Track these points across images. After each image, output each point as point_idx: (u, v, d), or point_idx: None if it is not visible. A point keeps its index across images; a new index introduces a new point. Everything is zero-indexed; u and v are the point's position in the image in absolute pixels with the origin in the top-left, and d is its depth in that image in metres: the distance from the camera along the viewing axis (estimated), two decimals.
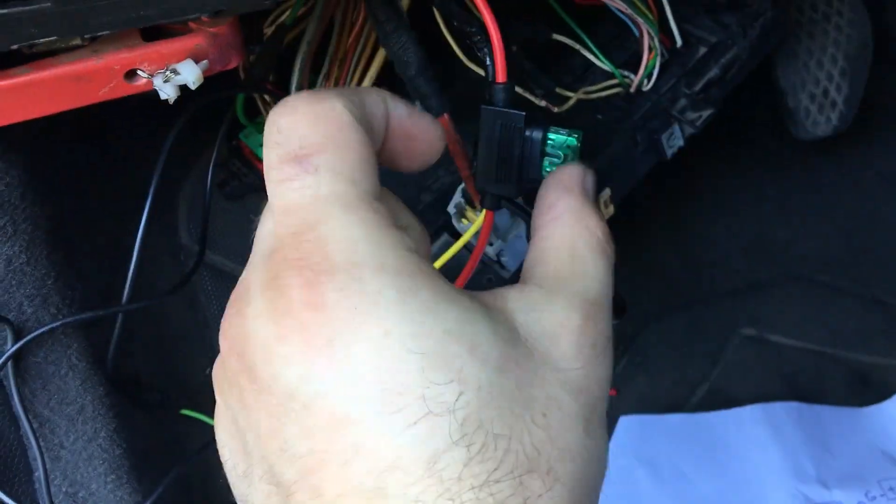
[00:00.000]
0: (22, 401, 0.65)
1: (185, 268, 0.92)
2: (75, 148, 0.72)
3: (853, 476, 0.96)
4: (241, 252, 0.95)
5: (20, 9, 0.44)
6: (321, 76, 0.78)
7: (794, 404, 1.02)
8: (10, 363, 0.64)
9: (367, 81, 0.79)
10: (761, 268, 1.17)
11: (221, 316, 0.89)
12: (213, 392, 1.01)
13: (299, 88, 0.78)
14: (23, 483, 0.66)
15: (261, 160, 0.81)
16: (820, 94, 0.99)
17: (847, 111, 1.00)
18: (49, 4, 0.44)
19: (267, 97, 0.81)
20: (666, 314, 1.15)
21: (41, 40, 0.48)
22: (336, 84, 0.79)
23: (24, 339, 0.64)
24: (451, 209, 0.73)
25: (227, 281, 0.94)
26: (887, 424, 1.01)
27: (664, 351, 1.13)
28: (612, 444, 1.02)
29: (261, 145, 0.82)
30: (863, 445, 0.99)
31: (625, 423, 1.04)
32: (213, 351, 0.94)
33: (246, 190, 0.94)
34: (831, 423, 1.01)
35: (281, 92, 0.79)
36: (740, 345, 1.12)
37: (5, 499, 0.63)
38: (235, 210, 0.96)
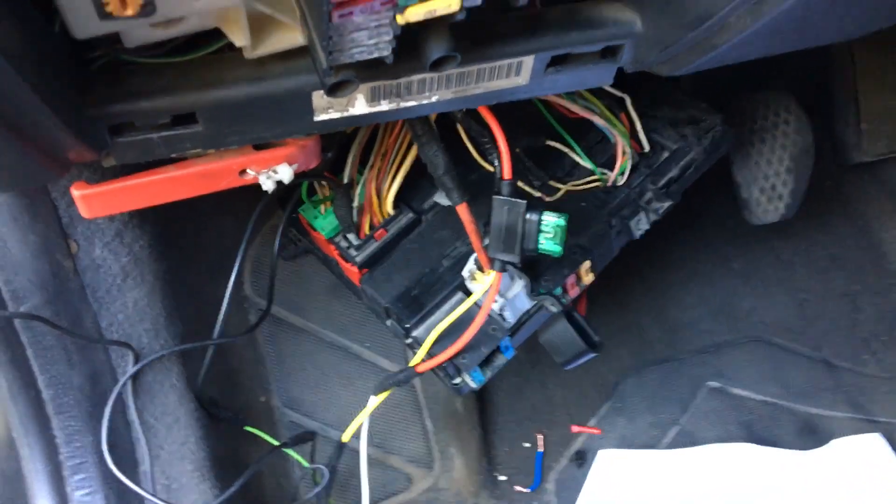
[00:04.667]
0: (136, 410, 0.86)
1: (247, 314, 1.14)
2: (183, 220, 0.94)
3: None
4: (293, 301, 1.16)
5: (182, 131, 0.66)
6: (367, 167, 1.00)
7: (746, 444, 1.21)
8: (129, 381, 0.85)
9: (402, 172, 1.01)
10: (727, 330, 1.37)
11: (274, 354, 1.15)
12: (267, 415, 1.24)
13: (350, 177, 1.00)
14: (131, 474, 0.86)
15: (314, 229, 1.03)
16: (769, 188, 1.20)
17: (792, 202, 1.21)
18: (201, 128, 0.66)
19: (323, 182, 1.03)
20: (643, 367, 1.34)
21: (191, 151, 0.70)
22: (378, 173, 1.01)
23: (142, 363, 0.85)
24: (465, 273, 0.94)
25: (280, 326, 1.15)
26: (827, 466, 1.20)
27: (641, 398, 1.32)
28: (591, 473, 1.21)
29: (315, 218, 1.04)
30: None
31: (603, 455, 1.23)
32: (266, 383, 1.16)
33: (299, 252, 1.16)
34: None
35: (335, 179, 1.01)
36: (706, 395, 1.31)
37: (126, 481, 0.83)
38: (288, 268, 1.17)
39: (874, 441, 1.22)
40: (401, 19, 0.55)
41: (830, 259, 1.43)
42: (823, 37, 0.67)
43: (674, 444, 1.27)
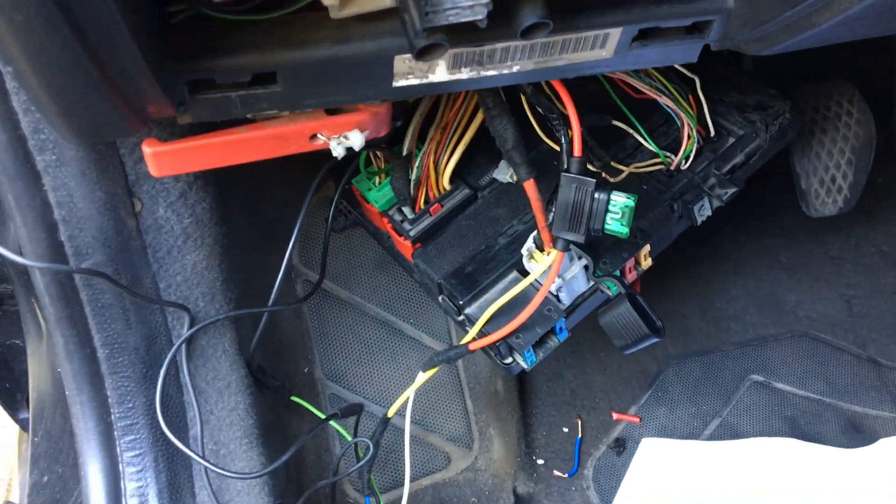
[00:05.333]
0: (189, 374, 0.85)
1: (294, 284, 1.13)
2: (236, 187, 0.93)
3: None
4: (342, 274, 1.15)
5: (261, 90, 0.65)
6: (426, 140, 0.98)
7: (791, 440, 1.19)
8: (184, 344, 0.84)
9: (461, 146, 0.99)
10: (771, 323, 1.35)
11: (319, 326, 1.13)
12: (309, 386, 1.23)
13: (409, 149, 0.99)
14: (181, 438, 0.86)
15: (367, 201, 1.02)
16: (828, 180, 1.18)
17: (851, 195, 1.18)
18: (280, 89, 0.65)
19: (379, 153, 1.02)
20: (686, 357, 1.33)
21: (267, 112, 0.69)
22: (437, 146, 0.99)
23: (197, 327, 0.84)
24: (524, 251, 0.92)
25: (326, 298, 1.14)
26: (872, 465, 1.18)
27: (683, 389, 1.30)
28: (634, 461, 1.20)
29: (369, 189, 1.03)
30: None
31: (647, 444, 1.21)
32: (311, 354, 1.15)
33: (349, 224, 1.15)
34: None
35: (390, 151, 1.00)
36: (749, 389, 1.29)
37: (179, 444, 0.82)
38: (337, 240, 1.16)
39: None
40: None
41: (880, 256, 1.40)
42: None
43: (715, 437, 1.26)
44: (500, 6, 0.57)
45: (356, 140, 0.74)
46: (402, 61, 0.65)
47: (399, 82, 0.67)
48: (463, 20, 0.56)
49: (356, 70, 0.64)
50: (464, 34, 0.61)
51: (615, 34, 0.67)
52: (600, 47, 0.68)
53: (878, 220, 1.42)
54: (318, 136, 0.74)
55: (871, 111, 1.21)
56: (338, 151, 0.75)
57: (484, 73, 0.68)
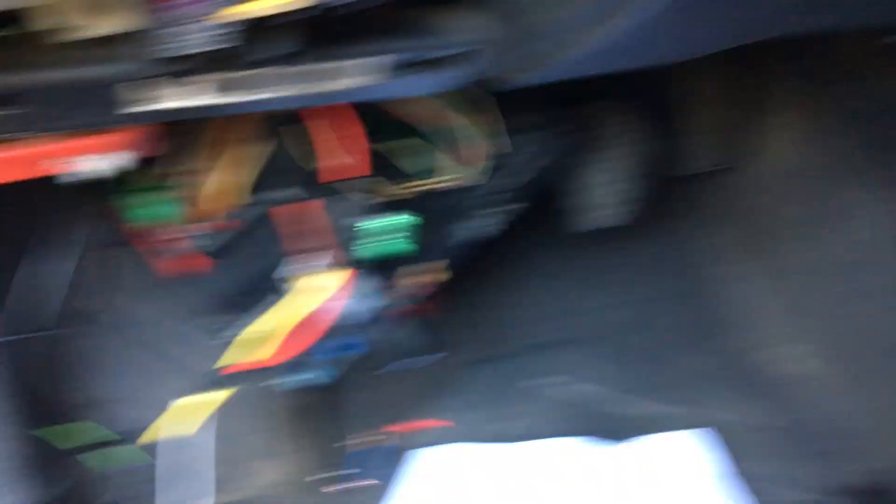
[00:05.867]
0: None
1: (65, 305, 1.06)
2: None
3: None
4: (110, 294, 1.09)
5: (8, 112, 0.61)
6: (217, 154, 0.95)
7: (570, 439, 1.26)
8: None
9: (252, 162, 0.96)
10: (565, 329, 1.41)
11: (90, 348, 1.04)
12: (81, 412, 1.14)
13: (195, 164, 0.95)
14: None
15: (142, 219, 0.97)
16: (605, 195, 1.26)
17: (626, 209, 1.28)
18: (24, 110, 0.61)
19: (157, 169, 0.97)
20: (481, 363, 1.36)
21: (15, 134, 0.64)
22: (227, 161, 0.96)
23: None
24: (312, 271, 0.91)
25: (96, 319, 1.08)
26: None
27: (478, 395, 1.33)
28: (412, 472, 1.23)
29: (146, 206, 0.98)
30: None
31: (425, 454, 1.24)
32: (80, 378, 1.07)
33: (119, 242, 1.09)
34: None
35: (174, 166, 0.96)
36: (543, 392, 1.34)
37: None
38: (108, 260, 1.10)
39: (694, 437, 1.29)
40: (235, 12, 0.52)
41: (662, 264, 1.49)
42: (667, 56, 0.69)
43: (513, 440, 1.30)
44: (253, 34, 0.57)
45: (114, 162, 0.71)
46: (135, 88, 0.62)
47: (138, 107, 0.64)
48: (199, 50, 0.55)
49: (92, 95, 0.61)
50: (215, 62, 0.60)
51: (376, 63, 0.67)
52: (363, 75, 0.68)
53: (656, 230, 1.49)
54: (79, 156, 0.70)
55: (647, 129, 1.29)
56: (100, 170, 0.71)
57: (245, 98, 0.67)
